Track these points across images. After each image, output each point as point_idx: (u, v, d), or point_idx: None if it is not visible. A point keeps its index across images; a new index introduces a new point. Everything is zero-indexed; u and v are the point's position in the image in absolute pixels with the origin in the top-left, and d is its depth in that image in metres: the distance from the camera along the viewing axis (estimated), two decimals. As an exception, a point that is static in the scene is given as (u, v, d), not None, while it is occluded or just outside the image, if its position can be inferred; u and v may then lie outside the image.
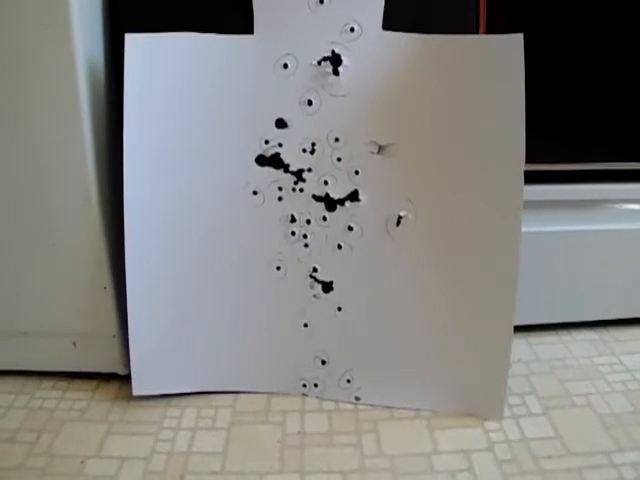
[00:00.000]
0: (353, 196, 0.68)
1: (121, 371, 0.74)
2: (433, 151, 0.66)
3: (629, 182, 0.81)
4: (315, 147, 0.67)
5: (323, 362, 0.72)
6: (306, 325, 0.71)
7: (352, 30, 0.65)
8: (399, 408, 0.71)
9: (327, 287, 0.70)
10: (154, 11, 0.66)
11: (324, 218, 0.68)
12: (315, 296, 0.70)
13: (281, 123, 0.67)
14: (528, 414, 0.70)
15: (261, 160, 0.68)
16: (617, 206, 0.82)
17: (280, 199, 0.68)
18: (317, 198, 0.68)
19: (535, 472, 0.62)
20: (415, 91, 0.65)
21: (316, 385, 0.72)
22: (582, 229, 0.80)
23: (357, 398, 0.72)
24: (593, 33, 0.74)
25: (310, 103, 0.66)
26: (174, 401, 0.72)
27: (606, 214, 0.82)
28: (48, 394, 0.74)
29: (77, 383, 0.75)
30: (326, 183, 0.68)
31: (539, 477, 0.61)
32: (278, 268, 0.70)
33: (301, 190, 0.68)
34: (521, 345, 0.83)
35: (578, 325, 0.86)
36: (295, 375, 0.73)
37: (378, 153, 0.66)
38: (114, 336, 0.72)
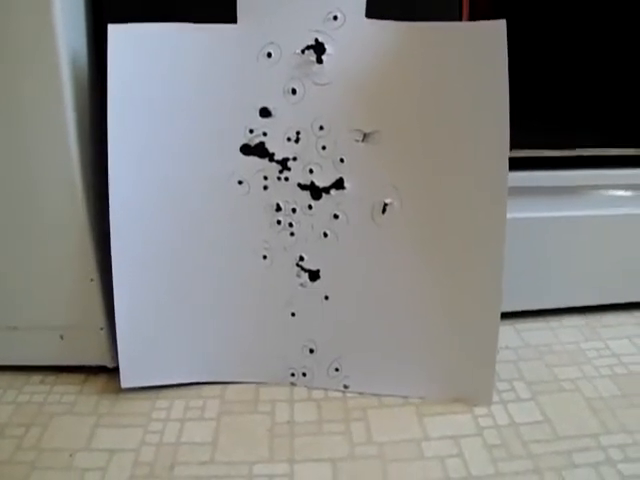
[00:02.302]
0: (338, 184, 0.67)
1: (109, 364, 0.74)
2: (418, 138, 0.66)
3: (615, 168, 0.81)
4: (300, 136, 0.67)
5: (311, 351, 0.72)
6: (293, 314, 0.71)
7: (335, 18, 0.64)
8: (388, 395, 0.71)
9: (314, 276, 0.70)
10: (137, 1, 0.66)
11: (310, 206, 0.68)
12: (302, 285, 0.70)
13: (265, 112, 0.67)
14: (517, 399, 0.71)
15: (246, 149, 0.67)
16: (603, 192, 0.82)
17: (265, 188, 0.68)
18: (302, 187, 0.68)
19: (524, 456, 0.63)
20: (399, 78, 0.65)
21: (304, 374, 0.72)
22: (568, 215, 0.81)
23: (346, 386, 0.72)
24: (578, 18, 0.74)
25: (294, 92, 0.66)
26: (162, 393, 0.72)
27: (592, 200, 0.82)
28: (36, 388, 0.73)
29: (65, 377, 0.75)
30: (311, 171, 0.67)
31: (528, 461, 0.62)
32: (264, 257, 0.70)
33: (286, 179, 0.68)
34: (509, 332, 0.83)
35: (565, 311, 0.87)
36: (283, 364, 0.73)
37: (363, 141, 0.66)
38: (101, 329, 0.72)
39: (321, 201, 0.68)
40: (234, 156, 0.67)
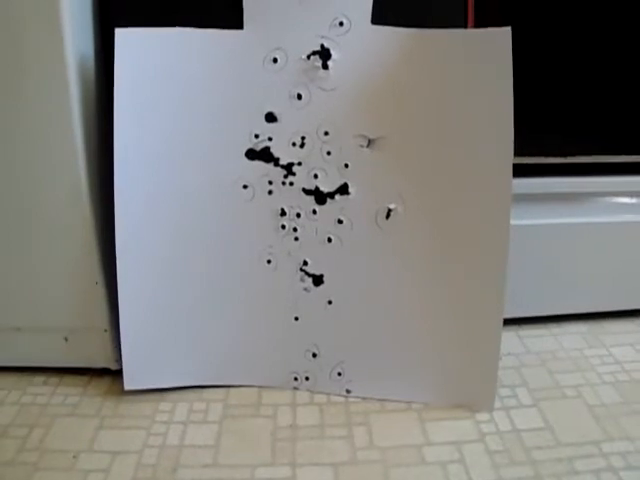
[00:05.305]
0: (343, 189, 0.68)
1: (113, 366, 0.74)
2: (422, 144, 0.66)
3: (618, 175, 0.81)
4: (305, 141, 0.67)
5: (314, 355, 0.72)
6: (297, 318, 0.71)
7: (341, 24, 0.65)
8: (390, 400, 0.71)
9: (317, 280, 0.70)
10: (144, 6, 0.66)
11: (314, 211, 0.68)
12: (306, 289, 0.70)
13: (271, 117, 0.67)
14: (519, 405, 0.71)
15: (251, 154, 0.68)
16: (606, 199, 0.82)
17: (270, 193, 0.68)
18: (307, 192, 0.68)
19: (526, 462, 0.62)
20: (404, 85, 0.65)
21: (307, 378, 0.73)
22: (571, 222, 0.81)
23: (348, 391, 0.72)
24: (582, 25, 0.74)
25: (300, 97, 0.66)
26: (166, 395, 0.72)
27: (595, 207, 0.82)
28: (40, 390, 0.74)
29: (69, 378, 0.75)
30: (316, 177, 0.68)
31: (530, 467, 0.62)
32: (268, 262, 0.70)
33: (291, 184, 0.68)
34: (511, 338, 0.83)
35: (568, 317, 0.86)
36: (286, 368, 0.73)
37: (368, 146, 0.66)
38: (106, 331, 0.72)
39: (325, 206, 0.68)
40: (239, 161, 0.68)
